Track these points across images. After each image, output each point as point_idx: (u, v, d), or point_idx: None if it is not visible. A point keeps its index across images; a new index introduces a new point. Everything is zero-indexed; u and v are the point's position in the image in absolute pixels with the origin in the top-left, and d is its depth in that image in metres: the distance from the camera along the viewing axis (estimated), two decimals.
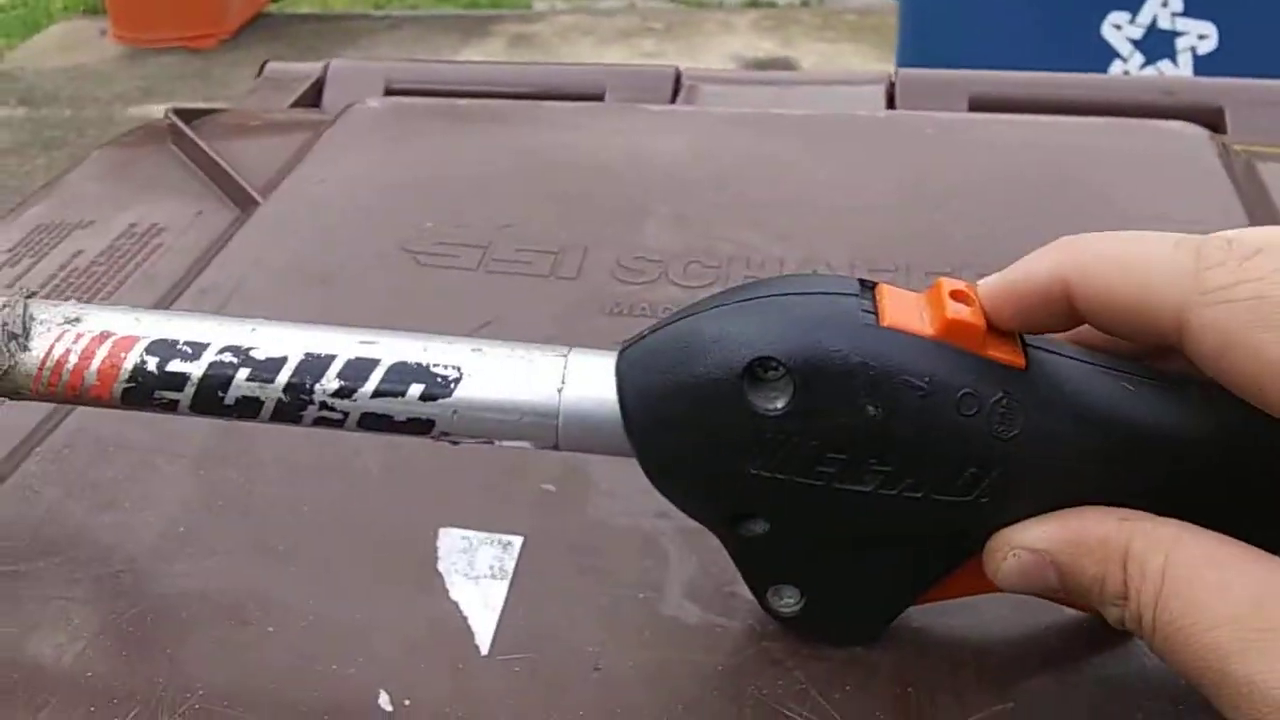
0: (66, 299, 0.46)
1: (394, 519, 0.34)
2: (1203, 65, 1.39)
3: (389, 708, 0.28)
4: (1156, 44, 1.40)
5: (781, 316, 0.25)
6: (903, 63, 1.56)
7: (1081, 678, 0.29)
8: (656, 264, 0.44)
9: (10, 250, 0.50)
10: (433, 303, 0.43)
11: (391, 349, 0.27)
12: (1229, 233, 0.25)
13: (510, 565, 0.32)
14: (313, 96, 0.71)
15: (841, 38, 3.23)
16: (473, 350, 0.27)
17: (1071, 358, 0.25)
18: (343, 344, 0.27)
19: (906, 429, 0.24)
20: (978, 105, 0.67)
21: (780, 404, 0.25)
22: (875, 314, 0.25)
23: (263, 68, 0.73)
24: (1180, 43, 1.39)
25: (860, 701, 0.28)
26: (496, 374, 0.27)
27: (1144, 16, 1.39)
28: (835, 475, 0.25)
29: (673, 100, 0.69)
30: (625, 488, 0.34)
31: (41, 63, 3.26)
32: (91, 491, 0.35)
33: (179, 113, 0.59)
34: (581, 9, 3.53)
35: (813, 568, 0.28)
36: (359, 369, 0.27)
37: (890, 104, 0.68)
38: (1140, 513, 0.25)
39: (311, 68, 0.73)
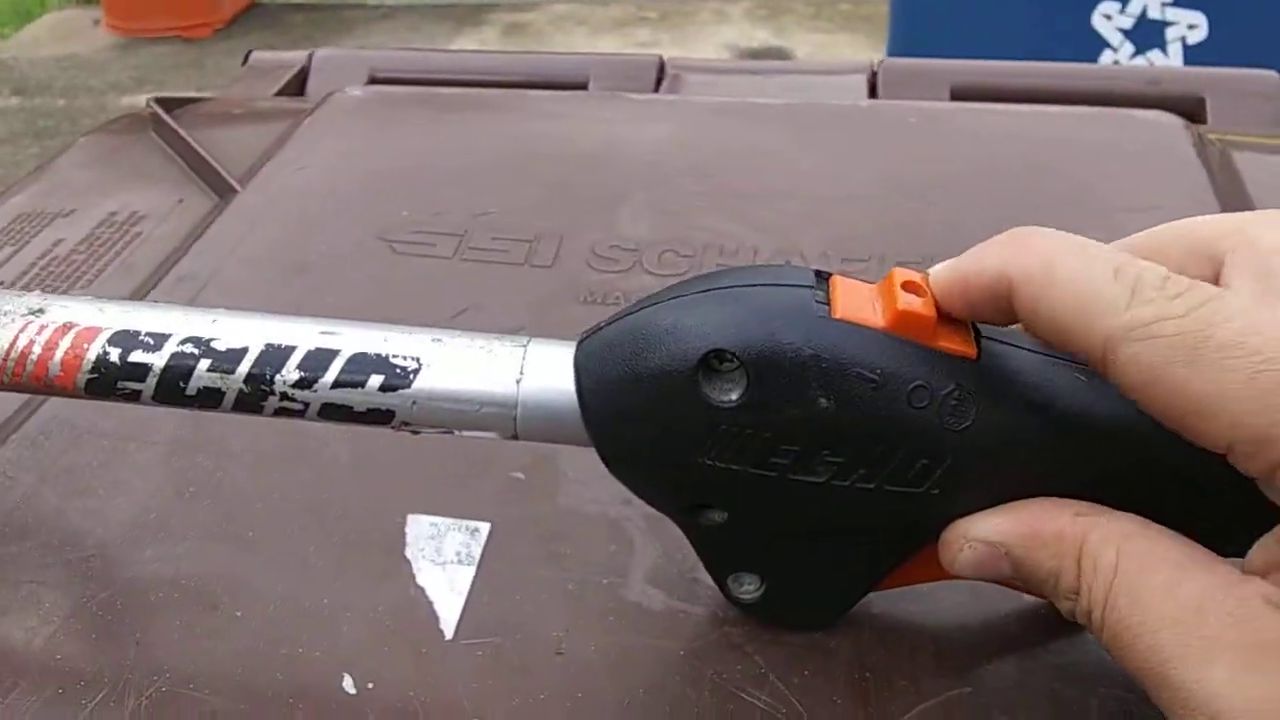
0: (45, 288, 0.46)
1: (363, 506, 0.34)
2: (1192, 55, 1.39)
3: (352, 690, 0.28)
4: (1147, 34, 1.40)
5: (736, 309, 0.25)
6: (893, 53, 1.56)
7: (1038, 664, 0.29)
8: (631, 253, 0.45)
9: None
10: (408, 291, 0.43)
11: (352, 340, 0.27)
12: (1186, 239, 0.25)
13: (477, 551, 0.32)
14: (297, 85, 0.72)
15: (835, 27, 3.22)
16: (433, 341, 0.28)
17: (1025, 349, 0.26)
18: (303, 335, 0.27)
19: (858, 421, 0.25)
20: (960, 95, 0.67)
21: (734, 396, 0.25)
22: (828, 306, 0.25)
23: (247, 57, 0.73)
24: (1170, 33, 1.39)
25: (818, 686, 0.28)
26: (456, 365, 0.27)
27: (1134, 6, 1.39)
28: (789, 466, 0.25)
29: (656, 89, 0.69)
30: (593, 476, 0.34)
31: (35, 52, 3.25)
32: (65, 478, 0.35)
33: (161, 101, 0.59)
34: None
35: (771, 556, 0.28)
36: (319, 360, 0.27)
37: (873, 93, 0.68)
38: (1096, 506, 0.25)
39: (296, 56, 0.73)
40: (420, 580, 0.32)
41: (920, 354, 0.24)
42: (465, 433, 0.28)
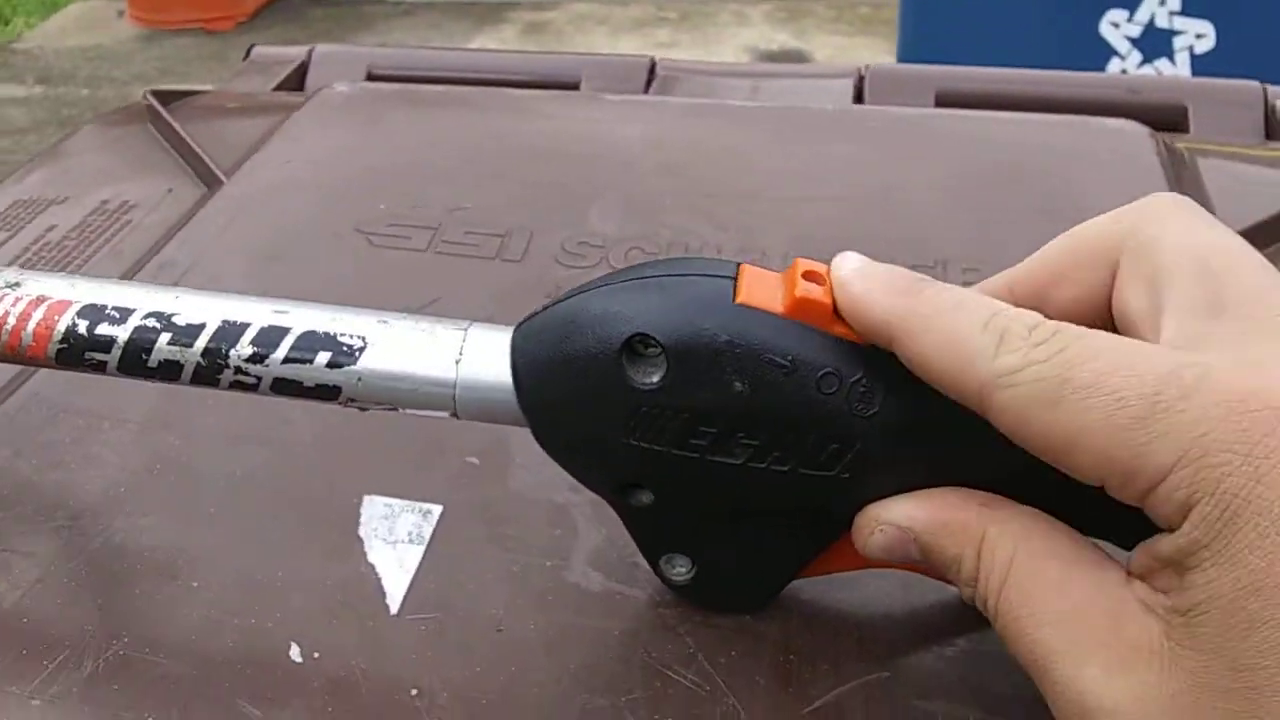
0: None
1: (322, 486, 0.35)
2: (1200, 65, 1.39)
3: (298, 659, 0.30)
4: (1154, 43, 1.41)
5: (659, 296, 0.26)
6: (903, 60, 1.57)
7: (956, 651, 0.30)
8: (598, 249, 0.46)
9: None
10: (381, 282, 0.44)
11: (302, 319, 0.29)
12: (1080, 251, 0.26)
13: (428, 532, 0.34)
14: (296, 80, 0.73)
15: (855, 30, 3.23)
16: (379, 322, 0.29)
17: None
18: (258, 313, 0.29)
19: (770, 405, 0.26)
20: (944, 101, 0.68)
21: (655, 379, 0.26)
22: (734, 292, 0.26)
23: (249, 51, 0.75)
24: (1178, 42, 1.39)
25: (743, 666, 0.30)
26: (399, 345, 0.29)
27: (1142, 15, 1.39)
28: (707, 448, 0.27)
29: (646, 90, 0.71)
30: (543, 463, 0.35)
31: (60, 42, 3.30)
32: (41, 452, 0.37)
33: (157, 94, 0.61)
34: None
35: (699, 538, 0.30)
36: (271, 336, 0.29)
37: (859, 98, 0.69)
38: (1002, 500, 0.26)
39: (296, 52, 0.74)
40: (371, 558, 0.33)
41: (827, 342, 0.26)
42: (409, 410, 0.29)
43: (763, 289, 0.26)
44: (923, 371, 0.25)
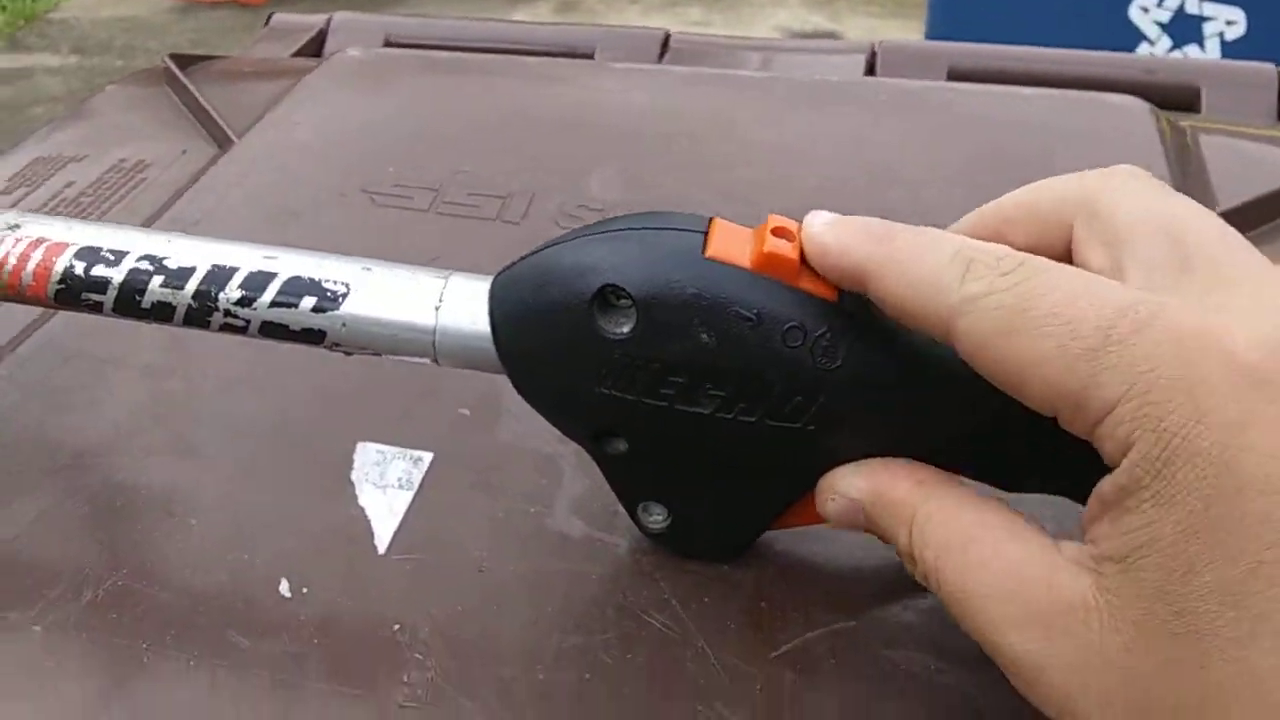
0: None
1: (317, 432, 0.36)
2: (1230, 51, 1.37)
3: (287, 594, 0.31)
4: (1184, 28, 1.39)
5: (632, 248, 0.27)
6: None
7: (925, 606, 0.31)
8: (596, 213, 0.47)
9: (8, 180, 0.53)
10: (382, 240, 0.45)
11: (289, 264, 0.30)
12: (1034, 209, 0.27)
13: (418, 478, 0.35)
14: (315, 47, 0.74)
15: (887, 13, 3.21)
16: (363, 269, 0.30)
17: None
18: (247, 258, 0.30)
19: (736, 357, 0.27)
20: (956, 77, 0.68)
21: (625, 329, 0.27)
22: (704, 246, 0.27)
23: (269, 19, 0.76)
24: (1208, 28, 1.38)
25: (715, 611, 0.31)
26: (381, 291, 0.29)
27: (1172, 0, 1.38)
28: (676, 397, 0.28)
29: (659, 62, 0.71)
30: (533, 414, 0.36)
31: (96, 13, 3.33)
32: (49, 395, 0.38)
33: (175, 58, 0.62)
34: None
35: (674, 487, 0.30)
36: (258, 281, 0.30)
37: (871, 73, 0.69)
38: (936, 477, 0.27)
39: (316, 19, 0.76)
40: (362, 501, 0.34)
41: (794, 297, 0.26)
42: (392, 356, 0.30)
43: (732, 243, 0.27)
44: (895, 308, 0.25)
